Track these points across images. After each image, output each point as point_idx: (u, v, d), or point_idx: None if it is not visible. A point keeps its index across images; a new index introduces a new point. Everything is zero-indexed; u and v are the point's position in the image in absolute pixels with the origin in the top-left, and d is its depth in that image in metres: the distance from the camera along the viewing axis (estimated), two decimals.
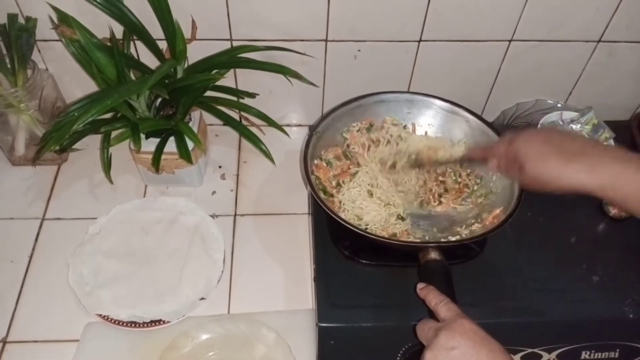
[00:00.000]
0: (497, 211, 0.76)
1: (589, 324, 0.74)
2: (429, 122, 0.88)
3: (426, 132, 0.89)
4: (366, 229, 0.76)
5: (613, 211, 0.83)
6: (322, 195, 0.77)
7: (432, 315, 0.62)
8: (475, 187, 0.83)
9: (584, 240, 0.83)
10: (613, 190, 0.58)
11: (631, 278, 0.78)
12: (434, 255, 0.69)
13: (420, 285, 0.66)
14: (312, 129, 0.82)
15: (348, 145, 0.86)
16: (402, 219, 0.78)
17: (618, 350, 0.75)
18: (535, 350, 0.74)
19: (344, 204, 0.79)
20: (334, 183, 0.82)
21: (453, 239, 0.76)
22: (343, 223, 0.70)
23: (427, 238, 0.77)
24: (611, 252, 0.81)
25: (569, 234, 0.83)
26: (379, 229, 0.76)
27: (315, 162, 0.82)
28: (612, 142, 0.88)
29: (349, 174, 0.83)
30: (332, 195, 0.81)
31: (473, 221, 0.78)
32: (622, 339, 0.75)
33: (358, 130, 0.86)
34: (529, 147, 0.64)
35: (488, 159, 0.72)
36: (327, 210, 0.71)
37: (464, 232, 0.77)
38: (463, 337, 0.56)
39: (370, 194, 0.79)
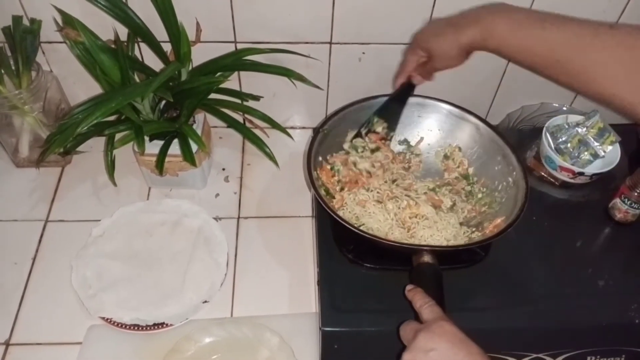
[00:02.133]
0: (499, 221, 0.76)
1: (594, 329, 0.74)
2: (439, 127, 0.88)
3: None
4: (360, 226, 0.76)
5: (619, 215, 0.83)
6: (322, 192, 0.77)
7: (417, 317, 0.62)
8: (480, 195, 0.83)
9: (590, 244, 0.83)
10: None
11: (637, 283, 0.77)
12: (426, 258, 0.69)
13: (409, 287, 0.67)
14: (319, 126, 0.81)
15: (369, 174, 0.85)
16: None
17: (624, 355, 0.75)
18: (540, 355, 0.74)
19: (346, 203, 0.79)
20: (337, 188, 0.82)
21: (450, 243, 0.76)
22: (346, 225, 0.70)
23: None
24: (617, 256, 0.81)
25: (575, 239, 0.83)
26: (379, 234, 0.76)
27: (320, 159, 0.82)
28: (618, 145, 0.87)
29: (359, 186, 0.82)
30: (333, 197, 0.80)
31: (474, 229, 0.78)
32: (628, 344, 0.75)
33: (363, 150, 0.86)
34: (430, 35, 0.74)
35: (408, 75, 0.81)
36: (331, 213, 0.71)
37: (464, 239, 0.77)
38: (442, 338, 0.56)
39: (379, 201, 0.79)
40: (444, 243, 0.76)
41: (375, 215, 0.78)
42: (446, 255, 0.73)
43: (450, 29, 0.70)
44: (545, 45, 0.62)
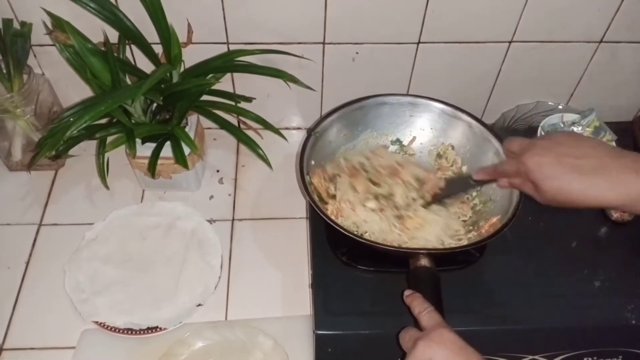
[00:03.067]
0: (494, 219, 0.75)
1: (591, 330, 0.73)
2: (431, 127, 0.87)
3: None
4: (362, 235, 0.75)
5: (615, 215, 0.82)
6: (315, 198, 0.76)
7: (416, 323, 0.62)
8: (475, 194, 0.82)
9: (586, 244, 0.82)
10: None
11: (634, 283, 0.76)
12: (423, 262, 0.68)
13: (406, 292, 0.66)
14: (311, 129, 0.81)
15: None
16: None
17: (621, 356, 0.74)
18: (536, 357, 0.73)
19: (343, 210, 0.78)
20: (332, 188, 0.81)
21: (447, 246, 0.75)
22: (338, 228, 0.69)
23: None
24: (613, 256, 0.80)
25: (571, 238, 0.82)
26: (378, 239, 0.75)
27: (312, 162, 0.81)
28: (614, 144, 0.87)
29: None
30: (326, 203, 0.80)
31: (471, 228, 0.77)
32: (625, 345, 0.74)
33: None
34: (542, 167, 0.61)
35: (497, 178, 0.70)
36: (324, 217, 0.70)
37: (460, 240, 0.76)
38: (440, 347, 0.56)
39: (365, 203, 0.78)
40: (447, 240, 0.76)
41: (370, 218, 0.77)
42: (442, 257, 0.72)
43: (576, 176, 0.58)
44: None
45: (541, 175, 0.60)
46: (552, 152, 0.61)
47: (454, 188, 0.79)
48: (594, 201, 0.58)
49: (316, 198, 0.77)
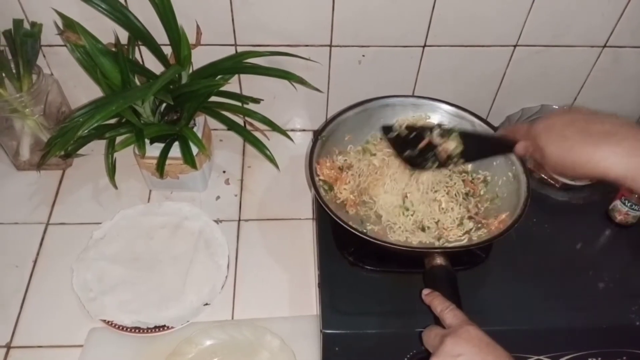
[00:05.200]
0: (503, 216, 0.75)
1: (595, 331, 0.74)
2: None
3: None
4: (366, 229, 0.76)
5: (619, 217, 0.83)
6: (323, 192, 0.77)
7: (437, 321, 0.62)
8: (482, 192, 0.83)
9: (590, 246, 0.83)
10: None
11: (637, 284, 0.77)
12: (439, 260, 0.69)
13: (425, 291, 0.66)
14: (317, 133, 0.81)
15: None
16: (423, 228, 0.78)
17: (625, 357, 0.75)
18: (541, 357, 0.74)
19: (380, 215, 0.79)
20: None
21: (458, 244, 0.76)
22: (347, 227, 0.70)
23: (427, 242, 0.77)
24: (617, 258, 0.81)
25: (575, 240, 0.83)
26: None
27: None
28: None
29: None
30: (332, 189, 0.80)
31: (480, 226, 0.78)
32: (629, 346, 0.74)
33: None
34: (550, 130, 0.58)
35: (515, 142, 0.66)
36: (334, 217, 0.71)
37: (473, 237, 0.77)
38: (469, 343, 0.56)
39: (405, 209, 0.78)
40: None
41: (401, 222, 0.77)
42: (454, 256, 0.73)
43: (583, 139, 0.55)
44: None
45: (548, 137, 0.58)
46: (564, 117, 0.59)
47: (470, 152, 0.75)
48: (597, 167, 0.54)
49: (323, 192, 0.77)
